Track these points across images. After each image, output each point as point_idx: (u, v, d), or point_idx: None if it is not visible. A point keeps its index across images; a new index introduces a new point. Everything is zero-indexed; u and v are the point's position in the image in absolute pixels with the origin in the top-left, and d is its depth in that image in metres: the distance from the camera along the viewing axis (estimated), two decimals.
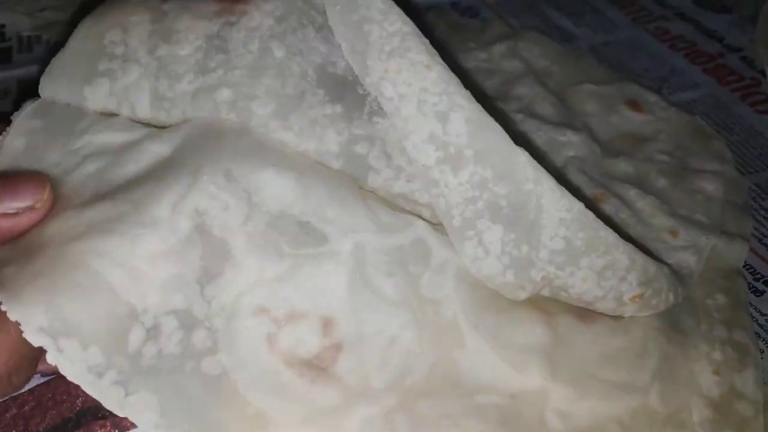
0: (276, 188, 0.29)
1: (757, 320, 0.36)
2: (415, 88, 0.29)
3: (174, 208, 0.27)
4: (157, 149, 0.29)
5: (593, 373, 0.30)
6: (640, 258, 0.31)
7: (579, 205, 0.29)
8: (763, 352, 0.34)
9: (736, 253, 0.39)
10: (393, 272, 0.29)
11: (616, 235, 0.30)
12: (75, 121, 0.31)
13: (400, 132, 0.29)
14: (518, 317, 0.31)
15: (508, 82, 0.49)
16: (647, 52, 0.54)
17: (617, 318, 0.32)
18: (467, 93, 0.29)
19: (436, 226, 0.31)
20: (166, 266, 0.26)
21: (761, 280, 0.38)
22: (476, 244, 0.30)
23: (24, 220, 0.27)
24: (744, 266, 0.39)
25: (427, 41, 0.29)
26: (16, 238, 0.27)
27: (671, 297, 0.33)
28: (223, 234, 0.27)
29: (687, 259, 0.37)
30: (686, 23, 0.57)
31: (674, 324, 0.34)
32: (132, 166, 0.29)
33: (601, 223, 0.30)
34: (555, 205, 0.29)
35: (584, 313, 0.32)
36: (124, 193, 0.28)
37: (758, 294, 0.37)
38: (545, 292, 0.31)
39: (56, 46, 0.33)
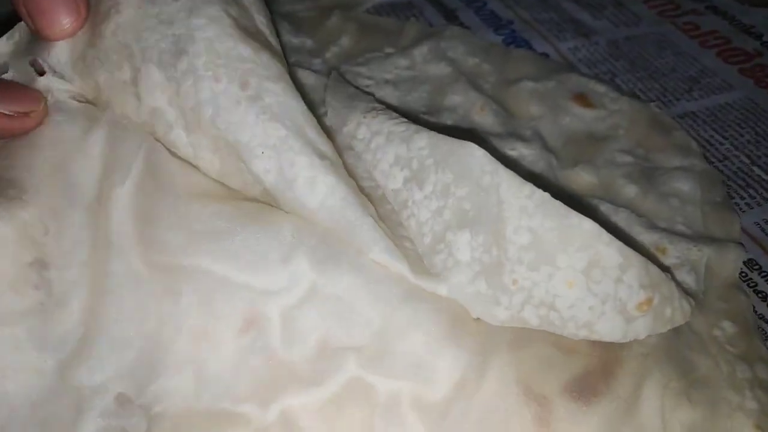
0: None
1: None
2: (384, 126, 0.32)
3: None
4: None
5: None
6: (636, 256, 0.26)
7: (541, 192, 0.27)
8: None
9: (731, 262, 0.34)
10: (335, 427, 0.26)
11: (594, 223, 0.26)
12: None
13: (369, 164, 0.31)
14: (504, 423, 0.26)
15: (437, 90, 0.42)
16: (675, 50, 0.49)
17: (622, 391, 0.27)
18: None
19: (371, 361, 0.27)
20: None
21: None
22: (446, 256, 0.28)
23: (18, 124, 0.29)
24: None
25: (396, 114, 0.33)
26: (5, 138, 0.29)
27: (686, 305, 0.28)
28: None
29: (684, 279, 0.32)
30: (720, 18, 0.52)
31: (690, 375, 0.28)
32: None
33: (571, 210, 0.26)
34: (514, 193, 0.27)
35: (581, 391, 0.27)
36: None
37: None
38: (532, 318, 0.27)
39: None
